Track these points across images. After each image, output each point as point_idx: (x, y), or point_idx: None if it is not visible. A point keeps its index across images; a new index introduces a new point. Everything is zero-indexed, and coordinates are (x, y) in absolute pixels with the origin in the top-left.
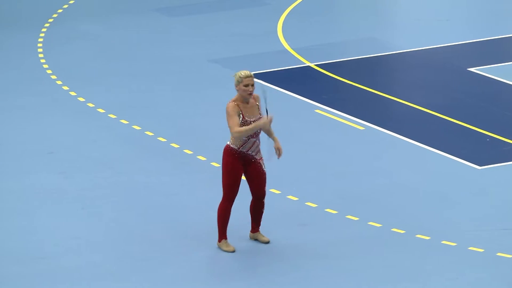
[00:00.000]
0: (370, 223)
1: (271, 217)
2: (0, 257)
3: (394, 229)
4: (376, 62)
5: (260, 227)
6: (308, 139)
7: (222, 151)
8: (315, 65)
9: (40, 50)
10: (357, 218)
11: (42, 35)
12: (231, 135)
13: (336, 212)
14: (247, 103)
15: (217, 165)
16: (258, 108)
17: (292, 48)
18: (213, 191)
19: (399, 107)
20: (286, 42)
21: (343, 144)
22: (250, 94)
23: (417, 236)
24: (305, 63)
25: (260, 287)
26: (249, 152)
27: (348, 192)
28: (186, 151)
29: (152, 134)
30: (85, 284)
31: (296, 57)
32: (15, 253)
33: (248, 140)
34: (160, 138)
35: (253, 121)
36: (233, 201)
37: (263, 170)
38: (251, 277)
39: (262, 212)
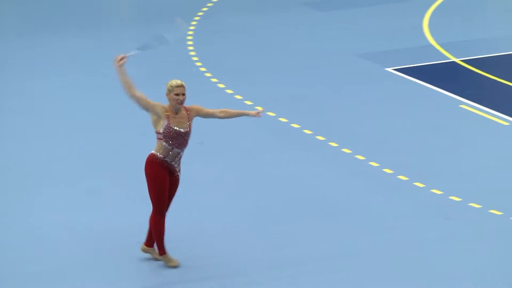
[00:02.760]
0: None
1: (414, 210)
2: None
3: None
4: None
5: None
6: (452, 133)
7: (145, 162)
8: (460, 60)
9: (190, 43)
10: (501, 213)
11: (192, 28)
12: (156, 143)
13: (480, 206)
14: (176, 113)
15: (362, 158)
16: (188, 120)
17: (437, 43)
18: (357, 183)
19: None
20: (432, 37)
21: (487, 139)
22: (180, 103)
23: None
24: (450, 59)
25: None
26: (173, 163)
27: (492, 187)
28: (332, 143)
29: (299, 126)
30: (238, 271)
31: (441, 52)
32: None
33: (173, 149)
34: (306, 131)
35: (179, 132)
36: (164, 212)
37: (177, 186)
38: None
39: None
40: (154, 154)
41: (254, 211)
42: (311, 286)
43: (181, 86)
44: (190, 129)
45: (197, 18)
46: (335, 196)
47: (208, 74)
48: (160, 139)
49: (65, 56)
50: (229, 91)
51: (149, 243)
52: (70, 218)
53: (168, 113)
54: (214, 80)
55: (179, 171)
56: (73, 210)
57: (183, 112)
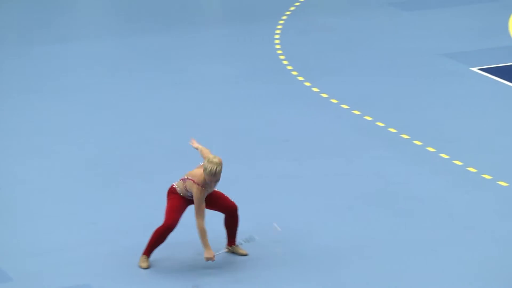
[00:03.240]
0: None
1: (498, 209)
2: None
3: None
4: None
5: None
6: None
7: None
8: None
9: (277, 41)
10: None
11: (279, 27)
12: (182, 184)
13: None
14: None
15: (446, 156)
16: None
17: None
18: (440, 181)
19: None
20: None
21: None
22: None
23: None
24: None
25: None
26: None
27: None
28: (416, 142)
29: (383, 125)
30: (323, 267)
31: None
32: (245, 235)
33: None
34: (391, 129)
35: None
36: (169, 227)
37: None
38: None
39: (237, 226)
40: (175, 188)
41: (337, 207)
42: (393, 280)
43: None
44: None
45: (284, 17)
46: (418, 193)
47: (294, 73)
48: (187, 191)
49: (151, 53)
50: (315, 90)
51: (230, 242)
52: None
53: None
54: (300, 78)
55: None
56: None
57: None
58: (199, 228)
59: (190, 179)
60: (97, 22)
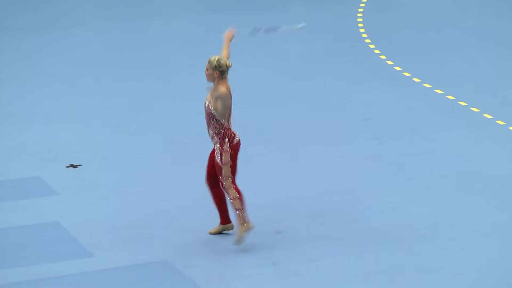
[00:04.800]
0: None
1: None
2: (308, 217)
3: None
4: None
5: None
6: None
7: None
8: None
9: (359, 20)
10: None
11: (362, 5)
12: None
13: None
14: (212, 89)
15: None
16: (210, 97)
17: None
18: None
19: None
20: None
21: None
22: (206, 78)
23: None
24: None
25: None
26: (210, 136)
27: None
28: (499, 122)
29: (465, 104)
30: (403, 246)
31: None
32: (325, 213)
33: (211, 133)
34: (473, 109)
35: (204, 105)
36: (208, 181)
37: (215, 159)
38: None
39: (215, 203)
40: None
41: (418, 187)
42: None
43: (207, 61)
44: (208, 105)
45: None
46: (499, 173)
47: (377, 51)
48: None
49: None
50: (398, 68)
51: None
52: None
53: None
54: (382, 57)
55: (215, 144)
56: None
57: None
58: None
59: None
60: (176, 1)
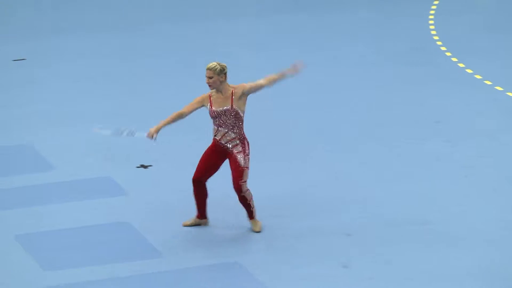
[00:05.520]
0: None
1: None
2: (378, 220)
3: None
4: None
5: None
6: None
7: None
8: None
9: (431, 22)
10: None
11: (434, 7)
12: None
13: None
14: (219, 94)
15: None
16: (232, 99)
17: None
18: None
19: None
20: None
21: None
22: (209, 86)
23: None
24: None
25: None
26: (222, 141)
27: None
28: None
29: None
30: (473, 250)
31: None
32: (396, 216)
33: (218, 128)
34: None
35: (219, 111)
36: (197, 181)
37: (238, 164)
38: None
39: (244, 205)
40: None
41: (489, 190)
42: None
43: (207, 69)
44: (232, 107)
45: None
46: None
47: (448, 53)
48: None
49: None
50: (469, 71)
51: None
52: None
53: (211, 96)
54: (454, 59)
55: (237, 152)
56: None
57: (229, 92)
58: (269, 79)
59: (234, 91)
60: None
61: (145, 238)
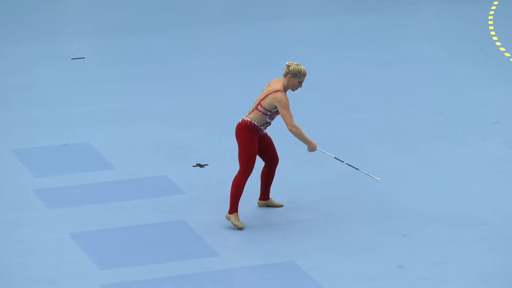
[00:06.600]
0: None
1: None
2: (435, 220)
3: None
4: None
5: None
6: None
7: (240, 127)
8: None
9: (490, 22)
10: None
11: (493, 7)
12: (255, 113)
13: None
14: None
15: None
16: None
17: None
18: None
19: None
20: None
21: None
22: (296, 89)
23: None
24: None
25: None
26: (262, 128)
27: None
28: None
29: None
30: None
31: None
32: (452, 217)
33: (269, 122)
34: None
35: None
36: (249, 175)
37: (271, 140)
38: None
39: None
40: (251, 122)
41: None
42: None
43: (306, 75)
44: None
45: None
46: None
47: (507, 54)
48: (265, 114)
49: (361, 32)
50: None
51: (265, 196)
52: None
53: None
54: None
55: (265, 130)
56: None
57: None
58: (295, 128)
59: (269, 94)
60: (304, 2)
61: (201, 237)
